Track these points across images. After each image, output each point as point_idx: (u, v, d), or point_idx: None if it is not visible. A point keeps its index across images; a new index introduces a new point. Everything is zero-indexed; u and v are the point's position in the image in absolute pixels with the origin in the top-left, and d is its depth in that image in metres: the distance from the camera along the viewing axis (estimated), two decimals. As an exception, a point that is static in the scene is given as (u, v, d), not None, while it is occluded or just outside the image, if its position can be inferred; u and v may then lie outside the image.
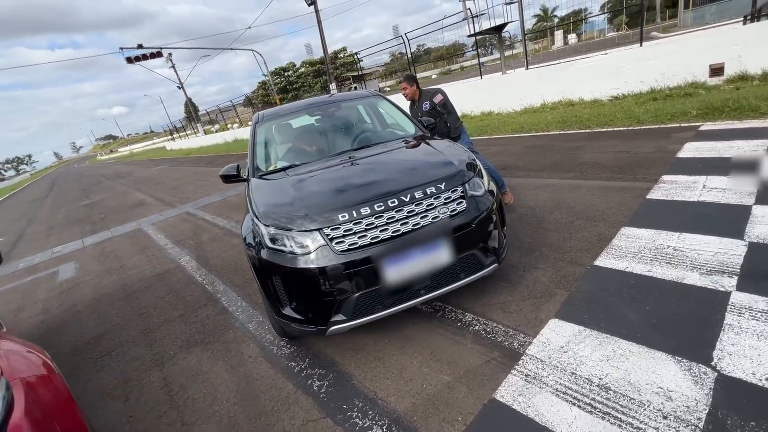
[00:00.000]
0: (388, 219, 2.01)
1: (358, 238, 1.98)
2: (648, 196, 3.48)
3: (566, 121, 7.40)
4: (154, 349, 2.91)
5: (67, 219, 10.93)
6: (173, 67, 31.76)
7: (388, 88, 35.49)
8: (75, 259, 6.22)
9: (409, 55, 12.86)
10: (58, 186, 28.29)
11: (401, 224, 2.03)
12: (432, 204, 2.10)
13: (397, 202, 2.05)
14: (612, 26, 39.89)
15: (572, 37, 39.22)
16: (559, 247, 2.98)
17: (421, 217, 2.06)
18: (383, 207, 2.03)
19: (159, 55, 18.39)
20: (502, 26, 11.14)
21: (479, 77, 11.54)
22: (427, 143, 2.90)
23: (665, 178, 3.80)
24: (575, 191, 4.06)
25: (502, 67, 11.76)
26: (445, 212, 2.11)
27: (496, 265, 2.31)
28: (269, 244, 2.09)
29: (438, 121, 3.75)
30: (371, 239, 1.98)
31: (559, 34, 37.82)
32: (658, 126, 5.77)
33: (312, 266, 1.96)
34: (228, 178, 3.07)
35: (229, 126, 33.08)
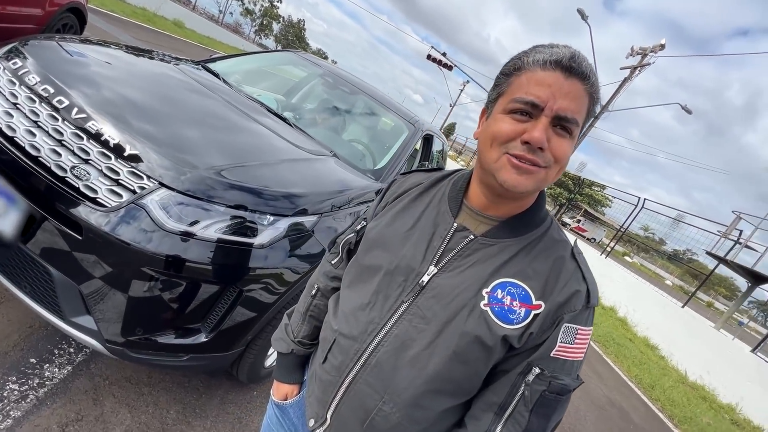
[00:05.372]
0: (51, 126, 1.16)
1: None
2: None
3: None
4: None
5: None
6: (461, 90, 35.77)
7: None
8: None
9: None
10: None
11: (45, 140, 1.14)
12: (92, 159, 1.12)
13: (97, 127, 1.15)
14: None
15: None
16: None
17: (58, 154, 1.12)
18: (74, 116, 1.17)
19: (450, 68, 20.54)
20: (762, 278, 7.46)
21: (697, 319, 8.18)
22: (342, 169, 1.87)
23: None
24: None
25: (725, 322, 8.06)
26: (90, 182, 1.10)
27: (97, 343, 1.16)
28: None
29: None
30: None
31: None
32: None
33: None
34: None
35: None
